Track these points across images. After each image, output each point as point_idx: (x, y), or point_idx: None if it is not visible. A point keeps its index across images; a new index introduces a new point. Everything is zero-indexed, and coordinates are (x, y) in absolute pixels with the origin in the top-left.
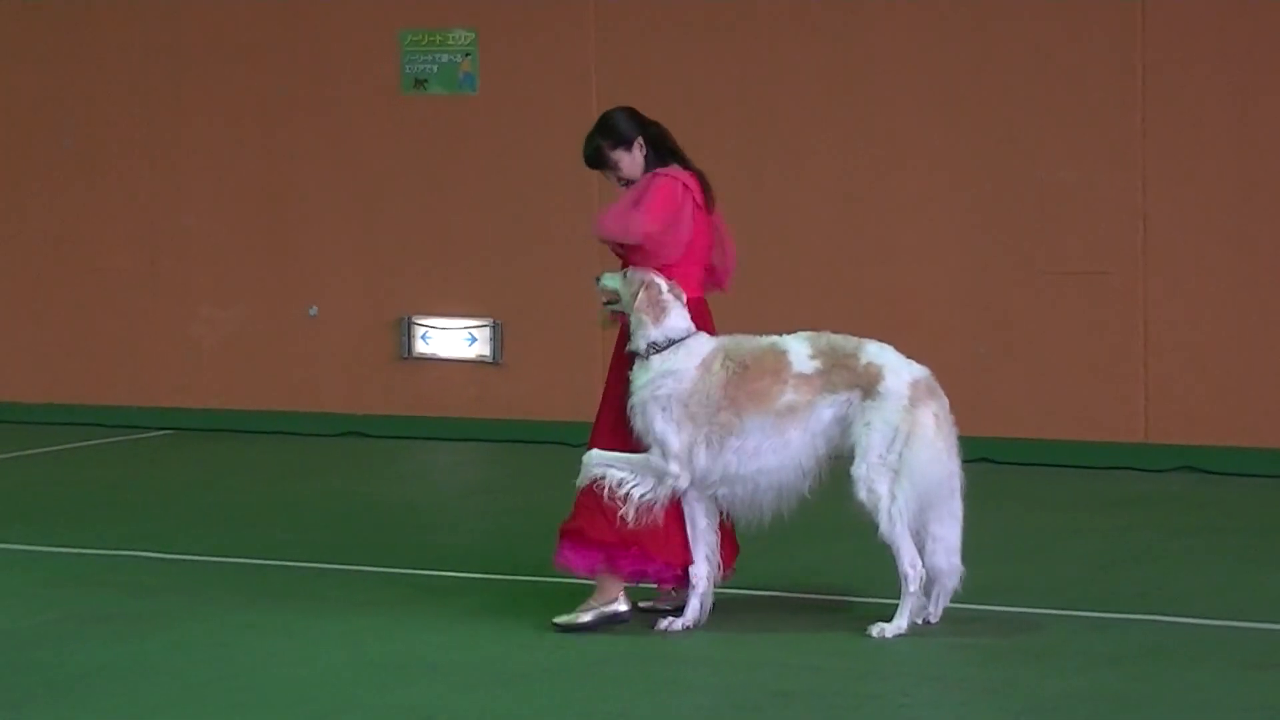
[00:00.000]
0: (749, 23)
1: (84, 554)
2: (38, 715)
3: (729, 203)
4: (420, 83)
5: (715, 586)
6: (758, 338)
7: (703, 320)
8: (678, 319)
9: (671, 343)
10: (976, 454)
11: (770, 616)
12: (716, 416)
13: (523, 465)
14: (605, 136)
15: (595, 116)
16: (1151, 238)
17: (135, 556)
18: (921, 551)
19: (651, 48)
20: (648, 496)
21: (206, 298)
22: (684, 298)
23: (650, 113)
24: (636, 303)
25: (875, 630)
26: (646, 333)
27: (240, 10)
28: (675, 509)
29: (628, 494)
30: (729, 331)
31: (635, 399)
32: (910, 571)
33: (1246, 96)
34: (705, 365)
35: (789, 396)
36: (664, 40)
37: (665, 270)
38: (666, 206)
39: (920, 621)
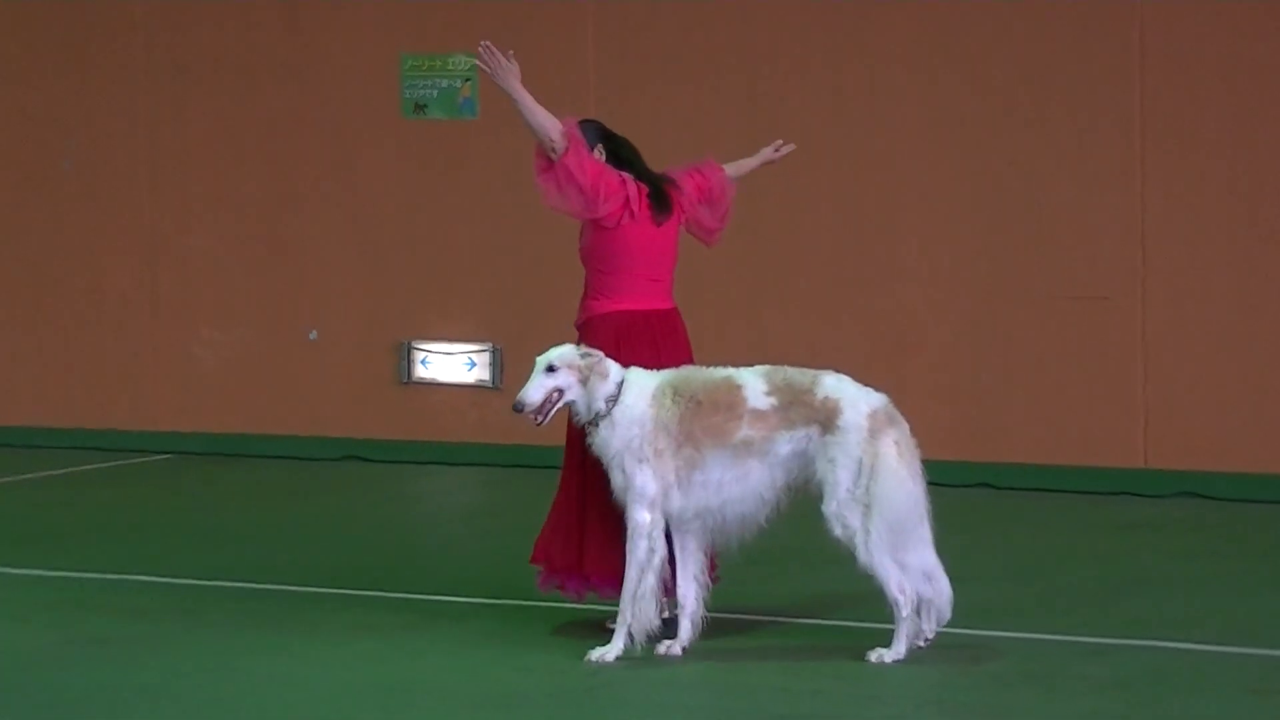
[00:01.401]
0: (750, 42)
1: (83, 577)
2: None
3: (729, 225)
4: (420, 107)
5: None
6: (711, 370)
7: (674, 331)
8: (609, 366)
9: (619, 387)
10: (976, 479)
11: (771, 640)
12: (680, 452)
13: (522, 490)
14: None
15: None
16: (1151, 262)
17: (134, 580)
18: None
19: (651, 72)
20: (653, 562)
21: (207, 321)
22: (599, 351)
23: (650, 135)
24: (589, 382)
25: (874, 656)
26: (599, 393)
27: (241, 33)
28: (602, 524)
29: (645, 577)
30: (729, 347)
31: (612, 456)
32: (900, 597)
33: (1246, 120)
34: (656, 401)
35: (745, 432)
36: (664, 65)
37: (602, 279)
38: (579, 181)
39: (919, 644)
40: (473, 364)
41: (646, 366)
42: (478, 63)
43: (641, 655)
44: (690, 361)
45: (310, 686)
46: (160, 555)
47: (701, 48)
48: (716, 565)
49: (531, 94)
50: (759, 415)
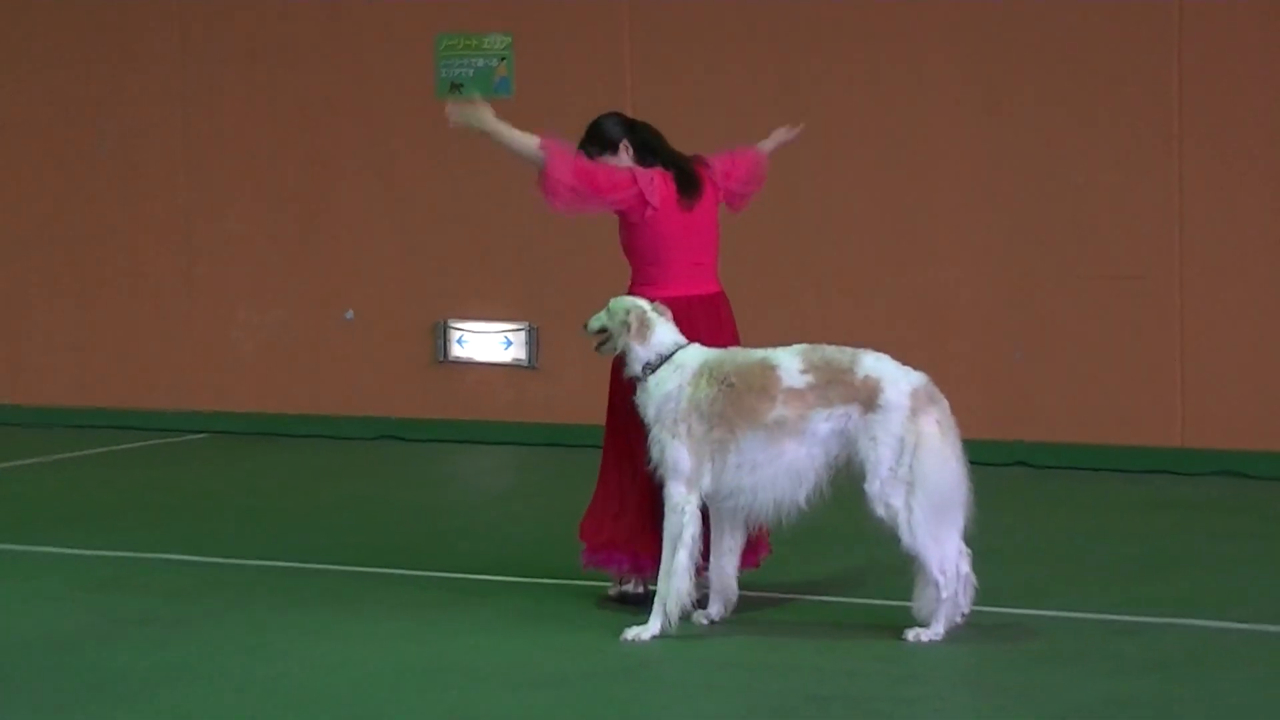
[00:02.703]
0: (786, 25)
1: (122, 556)
2: (77, 718)
3: (766, 206)
4: (456, 87)
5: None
6: (750, 351)
7: (716, 315)
8: (663, 334)
9: (662, 359)
10: (1014, 458)
11: (807, 618)
12: (711, 434)
13: (558, 469)
14: (593, 143)
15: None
16: (1188, 241)
17: (173, 560)
18: None
19: (687, 51)
20: (687, 534)
21: (244, 302)
22: (668, 313)
23: (686, 116)
24: (627, 334)
25: (911, 635)
26: (638, 355)
27: (277, 15)
28: (643, 502)
29: (677, 553)
30: (768, 329)
31: (651, 433)
32: (941, 578)
33: None
34: (694, 381)
35: (779, 411)
36: (700, 44)
37: (642, 270)
38: (567, 183)
39: (958, 620)
40: (509, 343)
41: None
42: (449, 119)
43: (677, 634)
44: (736, 344)
45: (349, 666)
46: (199, 535)
47: (737, 31)
48: (768, 545)
49: (568, 79)
50: (794, 394)
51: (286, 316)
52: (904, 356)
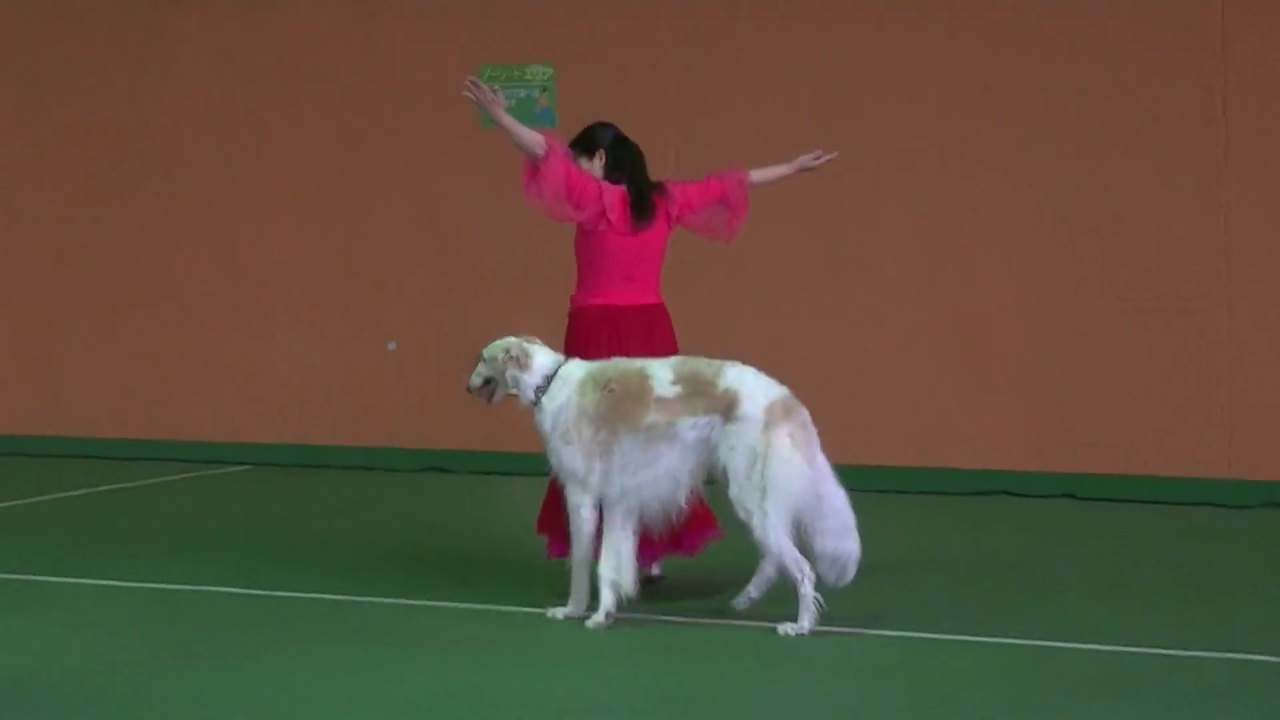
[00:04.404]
0: (828, 52)
1: (164, 588)
2: None
3: (807, 230)
4: None
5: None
6: (630, 360)
7: (649, 325)
8: (542, 358)
9: (548, 379)
10: (1058, 489)
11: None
12: (598, 435)
13: None
14: (576, 143)
15: (674, 150)
16: (1234, 269)
17: (214, 591)
18: (813, 549)
19: (729, 80)
20: (589, 537)
21: (286, 332)
22: (537, 340)
23: (727, 143)
24: (507, 372)
25: (782, 629)
26: (526, 383)
27: (321, 43)
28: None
29: (574, 549)
30: (808, 351)
31: (544, 439)
32: (798, 574)
33: None
34: (580, 390)
35: (651, 417)
36: (741, 73)
37: (584, 276)
38: (554, 185)
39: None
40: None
41: (614, 356)
42: (466, 94)
43: (725, 665)
44: (671, 353)
45: (394, 698)
46: (242, 566)
47: (780, 60)
48: (714, 529)
49: (612, 109)
50: (664, 402)
51: (329, 347)
52: (946, 385)
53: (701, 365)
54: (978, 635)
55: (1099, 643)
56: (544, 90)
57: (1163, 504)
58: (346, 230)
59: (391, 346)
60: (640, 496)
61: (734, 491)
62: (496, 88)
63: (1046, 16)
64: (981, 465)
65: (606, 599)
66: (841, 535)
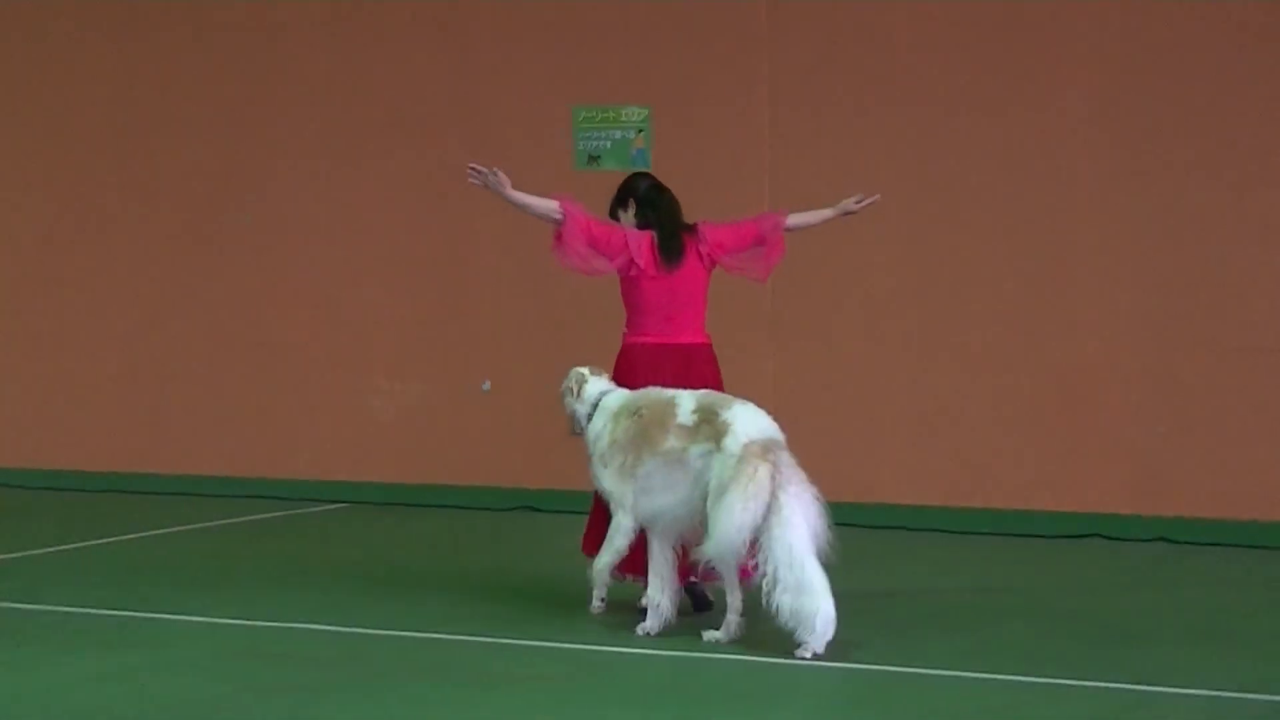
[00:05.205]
0: (924, 97)
1: (260, 626)
2: None
3: (901, 278)
4: (594, 159)
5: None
6: (664, 390)
7: (689, 362)
8: (592, 387)
9: (594, 408)
10: (1155, 534)
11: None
12: (626, 461)
13: None
14: (617, 195)
15: (769, 192)
16: None
17: (310, 629)
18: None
19: (825, 123)
20: (619, 550)
21: (382, 372)
22: (602, 371)
23: (822, 186)
24: (573, 398)
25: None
26: (579, 412)
27: (416, 87)
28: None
29: (608, 560)
30: (907, 400)
31: (591, 467)
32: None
33: None
34: (614, 419)
35: (670, 442)
36: (838, 115)
37: (629, 318)
38: (578, 244)
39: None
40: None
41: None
42: (470, 179)
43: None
44: (714, 387)
45: None
46: (335, 604)
47: (875, 103)
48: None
49: (706, 151)
50: (682, 429)
51: (424, 387)
52: (1040, 429)
53: (718, 398)
54: (1075, 679)
55: (1195, 688)
56: (639, 131)
57: (1259, 549)
58: (442, 271)
59: (486, 387)
60: (662, 518)
61: (707, 507)
62: (496, 169)
63: (1147, 70)
64: (1076, 508)
65: (650, 620)
66: (799, 591)
